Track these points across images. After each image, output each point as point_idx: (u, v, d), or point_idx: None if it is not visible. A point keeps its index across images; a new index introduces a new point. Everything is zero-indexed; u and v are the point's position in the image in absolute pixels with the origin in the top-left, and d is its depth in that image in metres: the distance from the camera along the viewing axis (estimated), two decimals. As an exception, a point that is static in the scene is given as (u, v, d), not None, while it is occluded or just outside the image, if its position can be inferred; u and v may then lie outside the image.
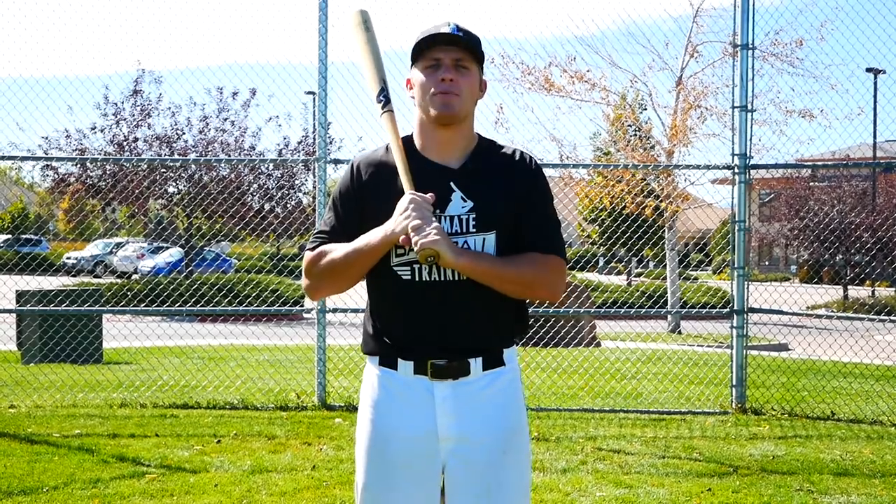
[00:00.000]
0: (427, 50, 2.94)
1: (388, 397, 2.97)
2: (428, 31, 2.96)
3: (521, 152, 3.04)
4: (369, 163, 3.02)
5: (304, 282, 3.06)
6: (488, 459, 2.94)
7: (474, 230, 2.91)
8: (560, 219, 3.09)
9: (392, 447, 2.94)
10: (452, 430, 2.93)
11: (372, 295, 3.05)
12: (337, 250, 2.94)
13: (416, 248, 2.79)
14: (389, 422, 2.96)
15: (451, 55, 2.93)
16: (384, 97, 3.12)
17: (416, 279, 2.92)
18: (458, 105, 2.92)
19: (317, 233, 3.05)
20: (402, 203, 2.84)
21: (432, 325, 2.92)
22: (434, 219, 2.83)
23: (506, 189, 2.96)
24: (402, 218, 2.82)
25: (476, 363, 2.95)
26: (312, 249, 3.01)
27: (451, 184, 2.94)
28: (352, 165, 3.04)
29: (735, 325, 9.49)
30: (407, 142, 3.02)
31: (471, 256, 2.86)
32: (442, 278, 2.91)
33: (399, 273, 2.94)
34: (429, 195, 2.86)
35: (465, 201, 2.93)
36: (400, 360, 2.96)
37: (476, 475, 2.93)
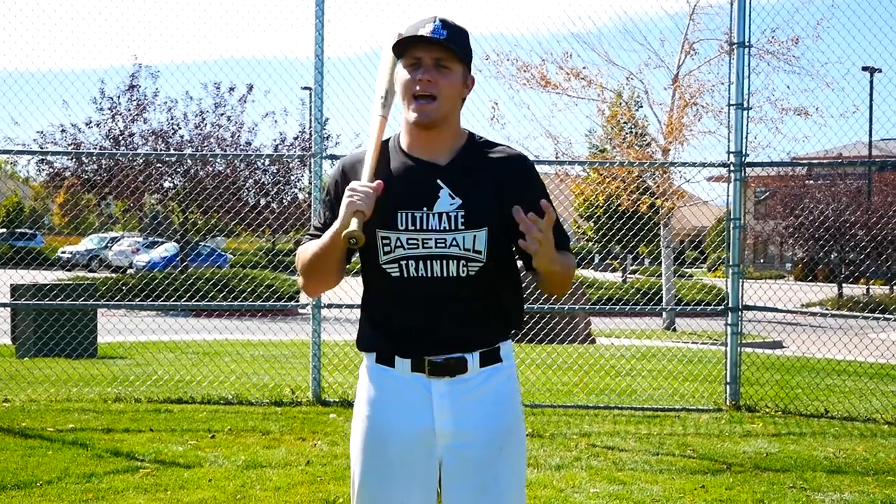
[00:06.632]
0: (409, 48, 2.89)
1: (384, 394, 2.97)
2: (413, 26, 2.91)
3: (514, 150, 3.02)
4: (354, 163, 3.00)
5: (299, 280, 3.09)
6: (485, 456, 2.93)
7: (463, 227, 2.89)
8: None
9: (389, 444, 2.94)
10: (449, 427, 2.92)
11: (365, 291, 3.06)
12: (308, 249, 2.97)
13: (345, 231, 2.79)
14: (386, 419, 2.95)
15: (432, 54, 2.87)
16: (389, 101, 3.07)
17: (405, 276, 2.91)
18: (435, 112, 2.88)
19: (308, 232, 3.07)
20: (345, 197, 2.84)
21: (424, 320, 2.92)
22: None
23: (497, 186, 2.94)
24: (345, 210, 2.82)
25: (473, 360, 2.94)
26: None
27: (439, 181, 2.92)
28: (338, 166, 3.05)
29: (730, 322, 9.50)
30: (394, 139, 3.01)
31: (559, 262, 2.83)
32: (429, 274, 2.90)
33: (388, 270, 2.93)
34: (376, 183, 2.86)
35: (452, 198, 2.90)
36: (397, 358, 2.95)
37: (472, 471, 2.93)
